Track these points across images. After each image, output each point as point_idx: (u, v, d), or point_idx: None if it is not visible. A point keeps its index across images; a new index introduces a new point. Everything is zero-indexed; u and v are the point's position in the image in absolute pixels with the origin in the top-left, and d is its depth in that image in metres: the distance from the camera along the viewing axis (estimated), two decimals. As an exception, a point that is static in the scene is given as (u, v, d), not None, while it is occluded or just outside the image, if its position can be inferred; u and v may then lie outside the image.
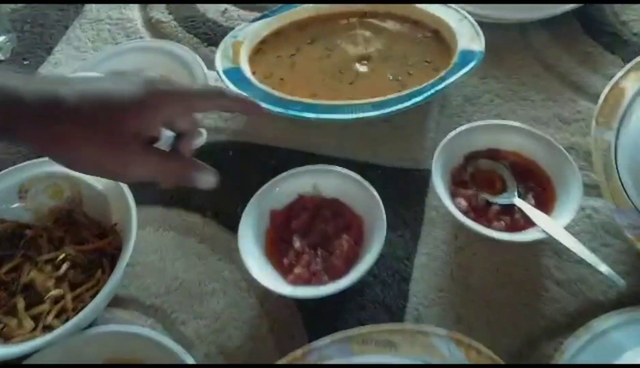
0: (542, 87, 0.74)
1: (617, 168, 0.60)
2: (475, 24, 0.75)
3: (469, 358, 0.50)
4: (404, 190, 0.67)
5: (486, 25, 0.76)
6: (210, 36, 0.85)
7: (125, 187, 0.62)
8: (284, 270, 0.59)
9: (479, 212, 0.62)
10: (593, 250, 0.59)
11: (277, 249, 0.61)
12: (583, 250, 0.56)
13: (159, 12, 0.90)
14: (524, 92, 0.74)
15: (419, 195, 0.66)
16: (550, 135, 0.68)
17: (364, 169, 0.68)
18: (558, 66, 0.76)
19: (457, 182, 0.64)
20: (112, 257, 0.61)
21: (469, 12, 0.77)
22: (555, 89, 0.74)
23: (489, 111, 0.73)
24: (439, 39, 0.77)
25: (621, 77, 0.66)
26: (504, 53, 0.78)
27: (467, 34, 0.74)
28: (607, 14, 0.81)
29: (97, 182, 0.64)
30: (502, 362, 0.50)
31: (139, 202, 0.62)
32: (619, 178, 0.59)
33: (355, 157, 0.71)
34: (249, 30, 0.79)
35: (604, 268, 0.54)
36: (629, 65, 0.67)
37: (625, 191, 0.58)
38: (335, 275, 0.58)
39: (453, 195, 0.63)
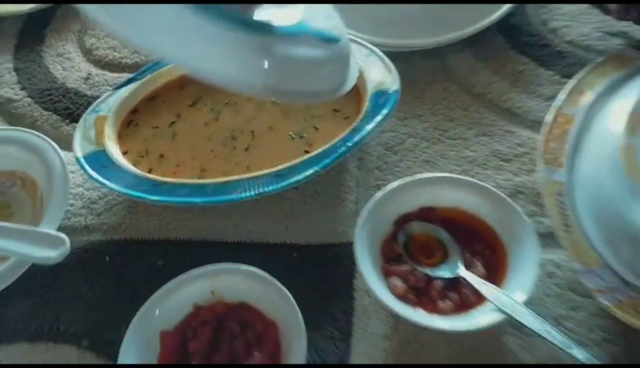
0: (474, 120, 0.67)
1: (577, 217, 0.53)
2: (386, 58, 0.67)
3: None
4: (327, 273, 0.58)
5: (400, 56, 0.69)
6: (72, 111, 0.75)
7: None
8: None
9: (421, 291, 0.53)
10: (562, 317, 0.53)
11: (172, 384, 0.51)
12: (549, 331, 0.48)
13: (9, 88, 0.79)
14: (454, 130, 0.67)
15: (346, 277, 0.57)
16: (490, 177, 0.62)
17: (276, 252, 0.60)
18: (488, 93, 0.69)
19: (390, 256, 0.56)
20: None
21: (375, 44, 0.69)
22: (489, 120, 0.67)
23: (415, 158, 0.65)
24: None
25: (563, 102, 0.59)
26: (424, 86, 0.71)
27: (377, 71, 0.66)
28: (534, 23, 0.75)
29: None
30: None
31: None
32: (582, 229, 0.52)
33: (264, 239, 0.61)
34: (114, 99, 0.68)
35: (578, 352, 0.46)
36: (569, 86, 0.60)
37: (592, 245, 0.51)
38: (249, 408, 0.48)
39: (386, 274, 0.54)
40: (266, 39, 0.48)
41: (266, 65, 0.48)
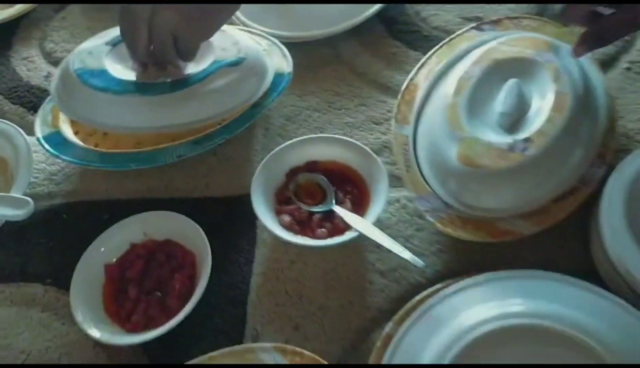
0: (355, 94, 0.84)
1: (416, 160, 0.69)
2: (283, 47, 0.83)
3: (294, 363, 0.58)
4: (236, 217, 0.74)
5: (299, 46, 0.85)
6: (35, 103, 0.91)
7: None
8: (122, 321, 0.65)
9: (303, 224, 0.69)
10: (410, 236, 0.69)
11: (114, 302, 0.67)
12: (388, 240, 0.64)
13: (-19, 88, 0.95)
14: (340, 102, 0.83)
15: (251, 219, 0.73)
16: (364, 137, 0.78)
17: (199, 204, 0.76)
18: (368, 72, 0.86)
19: (282, 200, 0.72)
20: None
21: (277, 36, 0.86)
22: (367, 93, 0.83)
23: (308, 125, 0.81)
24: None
25: (415, 74, 0.76)
26: (318, 69, 0.87)
27: (276, 58, 0.83)
28: (409, 13, 0.92)
29: None
30: (323, 361, 0.58)
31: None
32: (419, 168, 0.68)
33: (189, 195, 0.77)
34: (67, 91, 0.84)
35: (406, 254, 0.63)
36: (420, 62, 0.76)
37: (425, 179, 0.67)
38: (172, 314, 0.64)
39: (277, 213, 0.70)
40: (189, 89, 0.73)
41: (196, 107, 0.73)
